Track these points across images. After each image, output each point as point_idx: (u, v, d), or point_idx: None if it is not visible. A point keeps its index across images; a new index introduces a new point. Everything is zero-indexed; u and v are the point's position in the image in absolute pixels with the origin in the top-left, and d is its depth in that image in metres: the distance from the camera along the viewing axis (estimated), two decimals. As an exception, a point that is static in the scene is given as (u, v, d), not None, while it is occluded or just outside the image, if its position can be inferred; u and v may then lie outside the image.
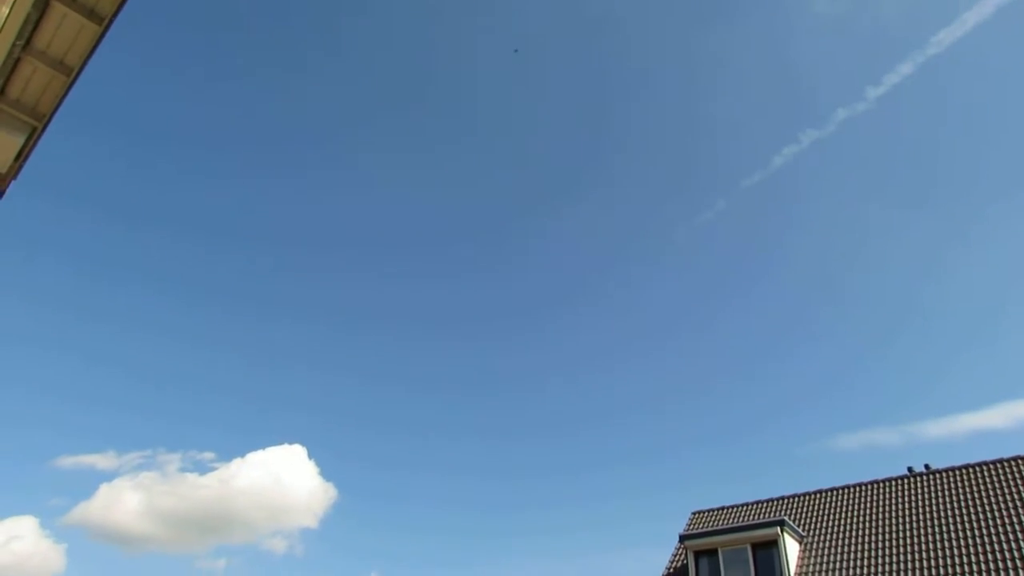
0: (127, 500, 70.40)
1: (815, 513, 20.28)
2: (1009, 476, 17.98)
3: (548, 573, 77.83)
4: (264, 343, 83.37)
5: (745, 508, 22.41)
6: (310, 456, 73.12)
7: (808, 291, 76.77)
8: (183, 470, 78.94)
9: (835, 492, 21.09)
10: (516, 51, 66.64)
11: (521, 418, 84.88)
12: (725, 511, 22.70)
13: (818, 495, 21.33)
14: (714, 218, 77.60)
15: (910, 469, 20.64)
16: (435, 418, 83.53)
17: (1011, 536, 15.51)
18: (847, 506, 19.95)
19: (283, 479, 71.75)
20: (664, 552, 21.26)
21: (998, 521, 16.28)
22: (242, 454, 78.25)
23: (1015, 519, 16.09)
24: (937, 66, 71.91)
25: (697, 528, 21.81)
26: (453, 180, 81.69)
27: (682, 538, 19.43)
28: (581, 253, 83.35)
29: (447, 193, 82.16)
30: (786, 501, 21.77)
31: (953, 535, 16.45)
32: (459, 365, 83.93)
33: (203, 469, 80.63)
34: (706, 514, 22.96)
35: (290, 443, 78.60)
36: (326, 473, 77.86)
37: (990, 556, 15.12)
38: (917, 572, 15.58)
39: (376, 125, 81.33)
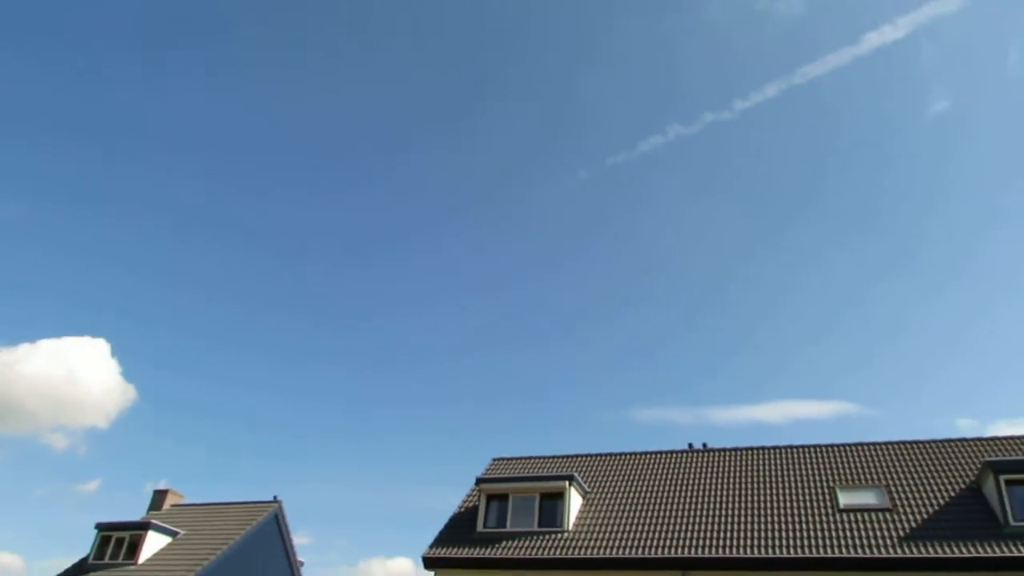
0: None
1: (603, 473, 21.84)
2: (775, 462, 20.37)
3: (349, 501, 78.03)
4: (79, 237, 75.15)
5: (542, 461, 23.66)
6: (113, 354, 67.16)
7: (635, 271, 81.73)
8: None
9: (623, 457, 22.82)
10: None
11: (339, 347, 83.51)
12: (524, 461, 23.83)
13: (608, 457, 22.98)
14: (574, 187, 79.89)
15: (690, 445, 22.81)
16: (254, 339, 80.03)
17: (767, 514, 17.61)
18: (632, 470, 21.67)
19: (77, 372, 65.24)
20: (463, 492, 21.93)
21: (759, 499, 18.42)
22: (33, 340, 70.44)
23: (774, 499, 18.28)
24: (797, 95, 77.99)
25: (495, 474, 22.74)
26: (320, 96, 77.42)
27: (478, 481, 20.14)
28: (436, 193, 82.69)
29: (307, 107, 77.76)
30: (580, 459, 23.23)
31: (719, 507, 18.39)
32: (291, 286, 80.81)
33: (-17, 351, 71.64)
34: (506, 462, 23.98)
35: (93, 336, 71.78)
36: (129, 374, 72.06)
37: (745, 529, 17.09)
38: (680, 535, 17.28)
39: (243, 35, 74.91)
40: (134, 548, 24.59)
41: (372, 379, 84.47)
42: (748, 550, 16.04)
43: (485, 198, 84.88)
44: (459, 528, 19.62)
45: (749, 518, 17.49)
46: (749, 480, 19.52)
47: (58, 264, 73.22)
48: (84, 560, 25.29)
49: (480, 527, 19.15)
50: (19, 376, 62.95)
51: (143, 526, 25.14)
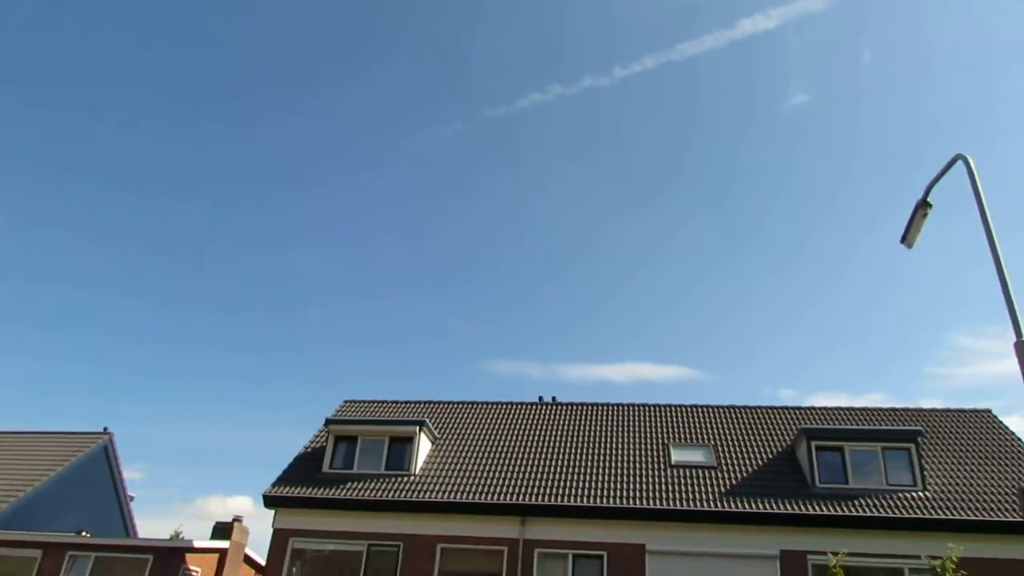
0: None
1: (455, 421, 22.13)
2: (618, 418, 21.48)
3: (192, 440, 74.63)
4: None
5: (395, 405, 23.60)
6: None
7: (502, 227, 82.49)
8: None
9: (476, 405, 23.23)
10: None
11: (193, 285, 78.73)
12: (376, 405, 23.67)
13: (461, 405, 23.30)
14: (450, 135, 78.70)
15: (540, 398, 23.58)
16: (91, 272, 73.46)
17: (605, 467, 18.60)
18: (483, 419, 22.12)
19: None
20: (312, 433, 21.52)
21: (600, 453, 19.40)
22: None
23: (614, 453, 19.32)
24: (672, 71, 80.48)
25: (346, 416, 22.45)
26: (209, 35, 70.81)
27: (327, 422, 19.81)
28: (312, 133, 78.73)
29: (197, 44, 71.06)
30: (432, 406, 23.39)
31: (561, 458, 19.20)
32: (144, 218, 74.58)
33: None
34: (357, 404, 23.71)
35: None
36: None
37: (585, 480, 17.95)
38: (520, 484, 17.90)
39: None
40: (-66, 475, 22.30)
41: (224, 318, 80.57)
42: (585, 499, 16.93)
43: (360, 143, 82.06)
44: (304, 468, 19.27)
45: (589, 470, 18.41)
46: (592, 434, 20.49)
47: None
48: None
49: (326, 467, 18.92)
50: None
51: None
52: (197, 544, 19.72)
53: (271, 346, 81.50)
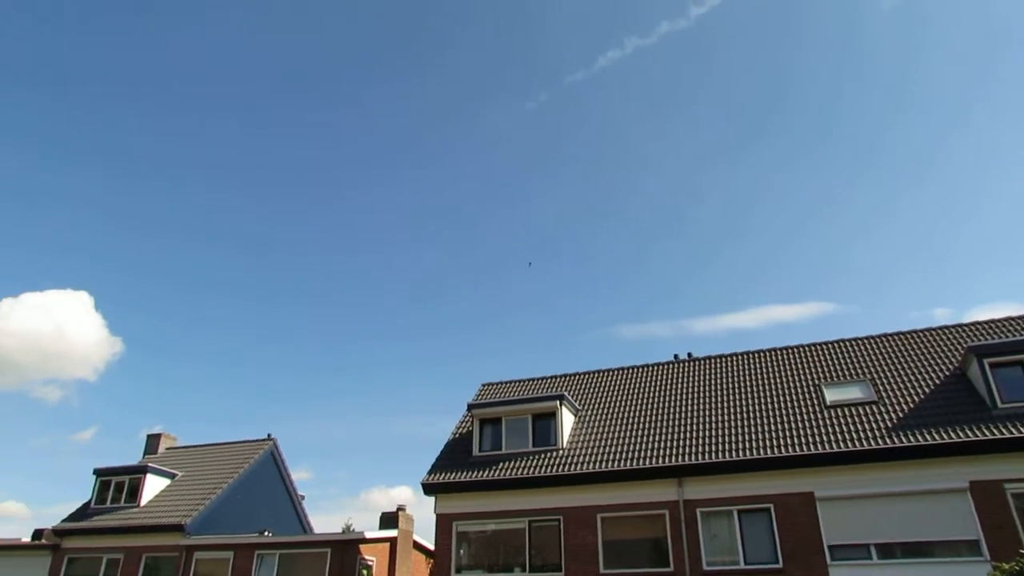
0: None
1: (592, 390, 22.04)
2: (761, 365, 20.62)
3: (345, 435, 79.16)
4: (50, 185, 72.27)
5: (531, 383, 23.81)
6: (97, 307, 66.06)
7: (601, 192, 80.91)
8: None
9: (611, 372, 23.01)
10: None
11: (321, 282, 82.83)
12: (512, 384, 23.98)
13: (595, 375, 23.16)
14: (535, 108, 77.86)
15: (675, 356, 22.99)
16: (236, 280, 78.91)
17: (756, 417, 17.90)
18: (620, 386, 21.88)
19: (62, 325, 64.30)
20: (456, 419, 22.13)
21: (748, 403, 18.69)
22: (15, 295, 68.98)
23: (763, 402, 18.56)
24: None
25: (485, 399, 22.88)
26: (281, 25, 73.50)
27: (470, 407, 20.25)
28: (401, 120, 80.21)
29: (271, 39, 74.00)
30: (567, 379, 23.41)
31: (708, 414, 18.67)
32: (271, 226, 79.13)
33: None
34: (495, 386, 24.12)
35: (75, 289, 70.35)
36: (114, 326, 71.29)
37: (737, 433, 17.39)
38: (673, 444, 17.58)
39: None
40: (134, 491, 24.84)
41: (353, 314, 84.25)
42: (742, 452, 16.34)
43: (442, 127, 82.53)
44: (455, 454, 19.84)
45: (740, 422, 17.77)
46: (737, 386, 19.78)
47: (28, 213, 70.92)
48: (87, 505, 25.48)
49: (476, 451, 19.38)
50: (5, 331, 61.91)
51: (141, 470, 25.30)
52: (369, 535, 20.82)
53: (396, 336, 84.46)
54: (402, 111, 79.81)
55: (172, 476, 26.17)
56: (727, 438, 17.16)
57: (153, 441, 29.95)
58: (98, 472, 25.68)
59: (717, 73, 76.58)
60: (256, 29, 74.06)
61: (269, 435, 28.43)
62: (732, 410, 18.49)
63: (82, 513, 25.15)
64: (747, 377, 20.11)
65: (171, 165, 76.95)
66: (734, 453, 16.42)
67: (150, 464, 25.88)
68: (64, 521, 24.80)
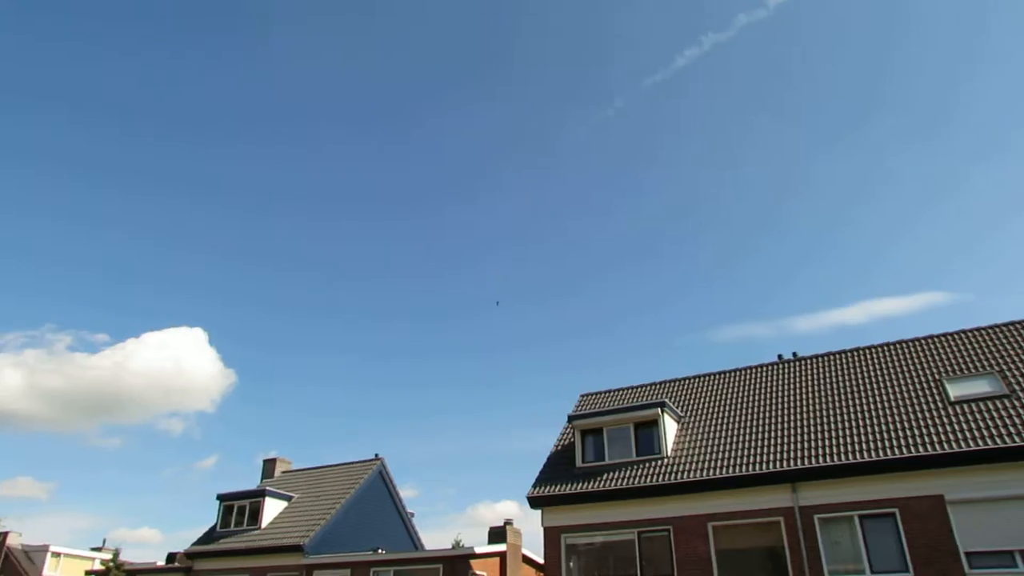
0: (6, 377, 65.98)
1: (693, 396, 21.55)
2: (873, 362, 19.61)
3: (447, 451, 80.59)
4: (166, 224, 78.04)
5: (630, 391, 23.53)
6: (211, 342, 70.59)
7: (689, 193, 79.19)
8: (73, 349, 74.41)
9: (711, 377, 22.43)
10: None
11: (419, 302, 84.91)
12: (611, 394, 23.76)
13: (696, 379, 22.63)
14: (613, 115, 77.41)
15: (780, 356, 22.16)
16: (340, 303, 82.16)
17: (873, 416, 17.02)
18: (722, 390, 21.29)
19: (181, 361, 69.02)
20: (556, 432, 22.14)
21: (862, 403, 17.80)
22: (137, 335, 74.71)
23: (879, 401, 17.63)
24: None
25: (584, 410, 22.78)
26: (355, 58, 76.63)
27: (570, 418, 20.20)
28: (477, 142, 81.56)
29: (348, 72, 77.20)
30: (667, 385, 22.99)
31: (820, 415, 17.89)
32: (366, 248, 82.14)
33: (94, 349, 76.46)
34: (593, 396, 23.98)
35: (190, 326, 75.50)
36: (227, 359, 75.86)
37: (853, 434, 16.58)
38: (785, 448, 16.93)
39: (290, 9, 74.22)
40: (255, 514, 26.11)
41: (444, 330, 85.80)
42: (860, 454, 15.52)
43: (525, 147, 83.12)
44: (558, 466, 19.83)
45: (855, 422, 16.92)
46: (848, 384, 18.88)
47: (145, 251, 76.47)
48: (213, 528, 26.99)
49: (579, 462, 19.30)
50: (131, 371, 66.96)
51: (260, 494, 26.59)
52: (479, 550, 21.05)
53: (491, 350, 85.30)
54: (472, 137, 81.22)
55: (289, 499, 27.37)
56: (843, 439, 16.36)
57: (269, 465, 31.49)
58: (221, 497, 27.17)
59: (805, 60, 73.84)
60: (351, 55, 77.34)
61: (376, 455, 29.31)
62: (845, 410, 17.64)
63: (209, 536, 26.64)
64: (859, 375, 19.15)
65: (272, 194, 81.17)
66: (852, 455, 15.62)
67: (268, 488, 27.16)
68: (194, 544, 26.34)
